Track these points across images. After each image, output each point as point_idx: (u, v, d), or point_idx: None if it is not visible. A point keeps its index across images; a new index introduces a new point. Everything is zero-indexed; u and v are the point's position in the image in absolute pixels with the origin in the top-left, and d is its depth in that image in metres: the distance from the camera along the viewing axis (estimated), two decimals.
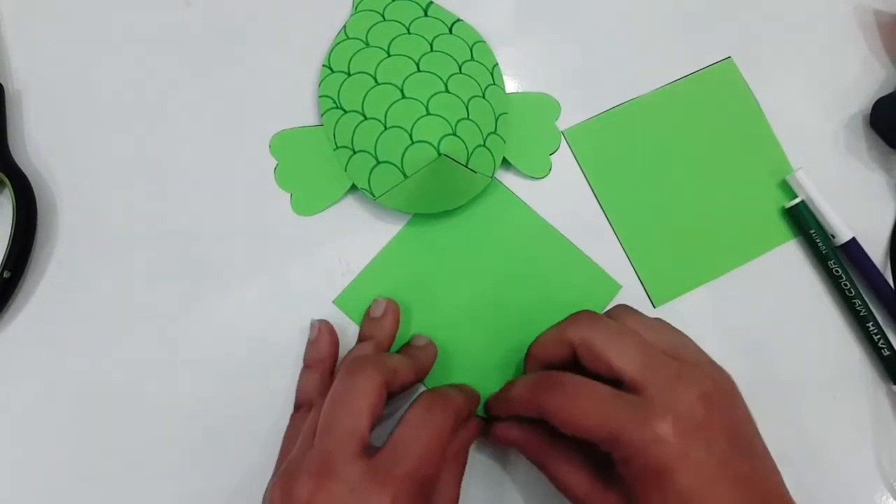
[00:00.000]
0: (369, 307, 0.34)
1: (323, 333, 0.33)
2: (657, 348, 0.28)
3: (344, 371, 0.29)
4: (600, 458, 0.28)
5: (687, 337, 0.30)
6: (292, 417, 0.33)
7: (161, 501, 0.33)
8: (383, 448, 0.26)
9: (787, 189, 0.38)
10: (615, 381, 0.27)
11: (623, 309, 0.31)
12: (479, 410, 0.34)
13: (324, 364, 0.33)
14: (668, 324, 0.30)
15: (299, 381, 0.33)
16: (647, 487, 0.25)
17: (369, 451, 0.26)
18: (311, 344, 0.34)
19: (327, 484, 0.25)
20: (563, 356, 0.29)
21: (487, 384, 0.34)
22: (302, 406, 0.33)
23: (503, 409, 0.31)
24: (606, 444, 0.26)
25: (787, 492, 0.27)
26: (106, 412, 0.33)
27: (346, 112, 0.35)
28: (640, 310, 0.35)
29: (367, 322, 0.34)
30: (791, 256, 0.37)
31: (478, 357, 0.35)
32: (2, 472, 0.33)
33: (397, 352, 0.34)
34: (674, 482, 0.25)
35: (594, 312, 0.30)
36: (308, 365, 0.33)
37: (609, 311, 0.31)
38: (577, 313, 0.30)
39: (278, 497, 0.26)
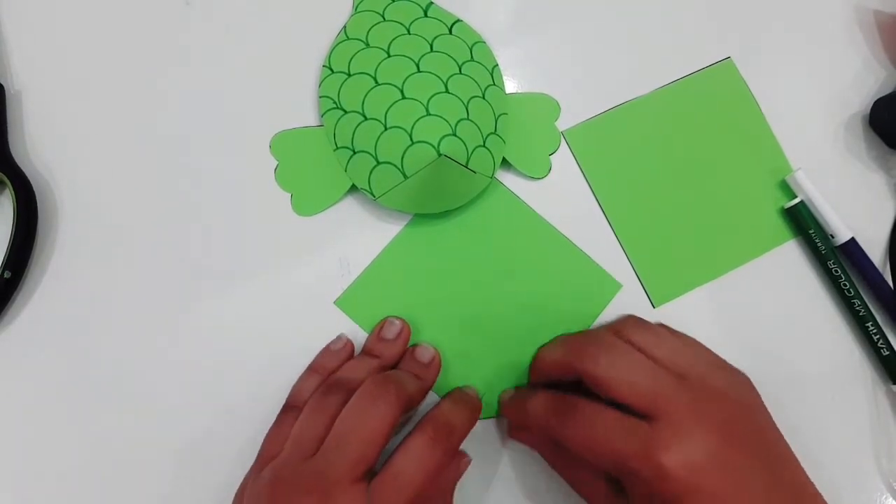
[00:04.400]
0: (381, 324, 0.34)
1: (346, 349, 0.33)
2: (666, 371, 0.27)
3: (368, 392, 0.28)
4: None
5: (694, 343, 0.30)
6: (281, 417, 0.32)
7: (160, 499, 0.33)
8: (383, 473, 0.27)
9: (787, 189, 0.38)
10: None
11: (628, 323, 0.30)
12: (489, 413, 0.34)
13: (328, 374, 0.33)
14: (674, 332, 0.30)
15: (299, 382, 0.33)
16: None
17: (369, 475, 0.27)
18: (330, 352, 0.33)
19: None
20: (568, 377, 0.29)
21: (488, 384, 0.34)
22: (294, 408, 0.32)
23: (518, 420, 0.32)
24: (615, 473, 0.26)
25: (814, 494, 0.27)
26: (106, 412, 0.33)
27: (346, 112, 0.35)
28: (641, 312, 0.35)
29: (377, 341, 0.34)
30: (790, 257, 0.37)
31: (479, 357, 0.35)
32: (1, 470, 0.33)
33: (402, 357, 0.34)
34: None
35: (596, 336, 0.30)
36: (314, 369, 0.33)
37: (615, 324, 0.31)
38: (580, 339, 0.30)
39: (266, 499, 0.26)
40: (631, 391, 0.27)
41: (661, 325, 0.31)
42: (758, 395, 0.29)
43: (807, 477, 0.28)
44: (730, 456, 0.26)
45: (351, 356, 0.34)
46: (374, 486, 0.26)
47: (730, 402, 0.27)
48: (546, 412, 0.29)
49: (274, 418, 0.33)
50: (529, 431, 0.32)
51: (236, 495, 0.30)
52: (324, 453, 0.27)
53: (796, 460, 0.28)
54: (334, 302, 0.35)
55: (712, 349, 0.31)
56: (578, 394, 0.29)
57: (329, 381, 0.31)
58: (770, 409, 0.30)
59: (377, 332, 0.34)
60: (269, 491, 0.27)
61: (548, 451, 0.32)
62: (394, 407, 0.28)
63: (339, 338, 0.34)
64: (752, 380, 0.30)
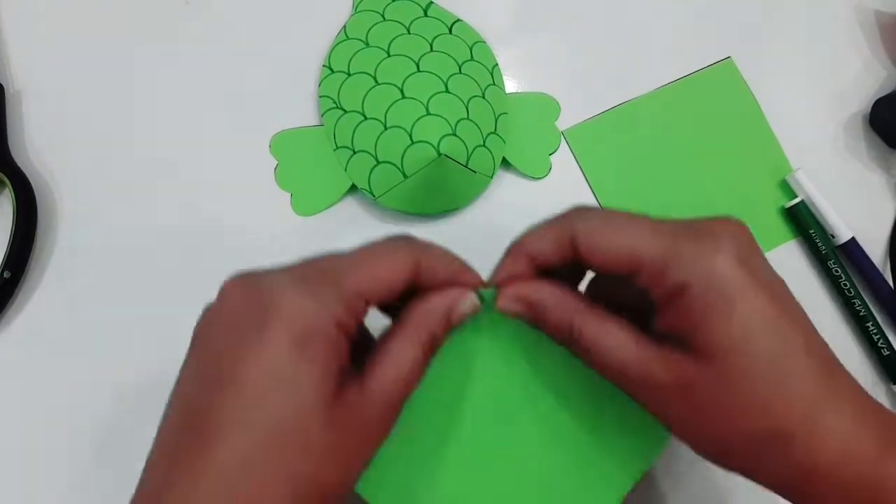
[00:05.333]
0: None
1: None
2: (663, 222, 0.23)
3: (390, 238, 0.24)
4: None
5: None
6: None
7: None
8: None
9: (787, 189, 0.38)
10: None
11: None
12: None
13: None
14: None
15: None
16: (709, 319, 0.21)
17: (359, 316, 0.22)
18: None
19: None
20: (562, 258, 0.24)
21: None
22: None
23: (523, 257, 0.25)
24: (657, 267, 0.21)
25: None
26: (105, 412, 0.33)
27: (346, 112, 0.35)
28: None
29: None
30: (790, 256, 0.37)
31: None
32: (1, 469, 0.33)
33: None
34: (741, 310, 0.21)
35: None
36: None
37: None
38: (566, 212, 0.25)
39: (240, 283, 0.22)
40: (641, 241, 0.22)
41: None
42: None
43: None
44: (771, 273, 0.23)
45: None
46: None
47: (749, 238, 0.23)
48: (562, 218, 0.24)
49: None
50: (535, 283, 0.24)
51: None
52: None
53: None
54: None
55: None
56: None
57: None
58: None
59: None
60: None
61: (561, 302, 0.24)
62: (411, 250, 0.23)
63: None
64: None
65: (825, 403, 0.21)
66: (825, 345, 0.23)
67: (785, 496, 0.22)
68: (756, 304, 0.21)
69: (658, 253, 0.22)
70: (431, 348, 0.23)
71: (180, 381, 0.22)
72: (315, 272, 0.22)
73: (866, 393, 0.23)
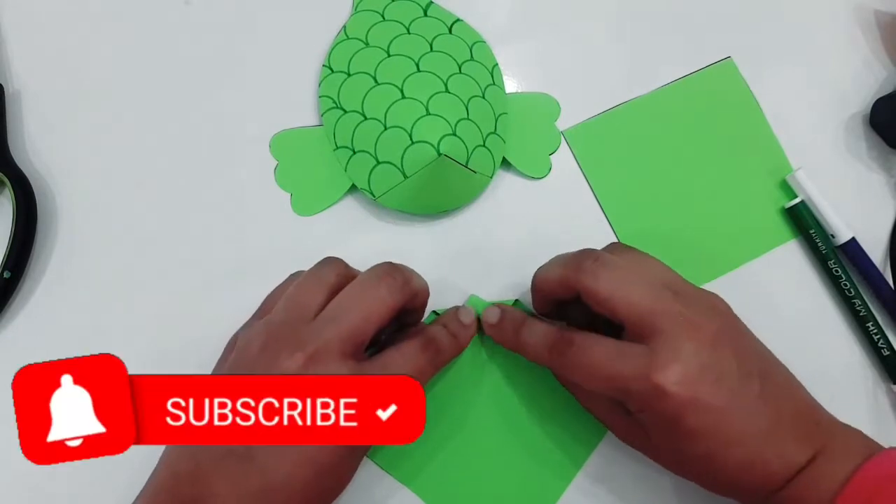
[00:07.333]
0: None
1: None
2: (660, 286, 0.28)
3: (375, 271, 0.29)
4: None
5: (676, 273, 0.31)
6: (289, 279, 0.32)
7: None
8: (373, 360, 0.28)
9: (787, 189, 0.38)
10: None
11: (615, 246, 0.32)
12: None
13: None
14: (659, 260, 0.31)
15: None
16: (660, 430, 0.27)
17: (359, 355, 0.28)
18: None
19: (314, 370, 0.26)
20: (568, 295, 0.30)
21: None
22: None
23: (511, 348, 0.32)
24: (617, 397, 0.28)
25: (807, 396, 0.29)
26: None
27: (346, 112, 0.35)
28: None
29: None
30: (791, 256, 0.37)
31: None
32: (2, 471, 0.33)
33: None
34: (684, 425, 0.26)
35: (592, 252, 0.30)
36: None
37: (607, 249, 0.31)
38: (576, 256, 0.30)
39: (257, 351, 0.27)
40: (630, 309, 0.27)
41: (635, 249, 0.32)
42: (737, 317, 0.30)
43: (797, 382, 0.30)
44: (723, 366, 0.27)
45: None
46: (361, 368, 0.27)
47: (718, 313, 0.29)
48: (543, 348, 0.30)
49: None
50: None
51: (228, 343, 0.31)
52: (323, 321, 0.28)
53: (784, 367, 0.30)
54: None
55: None
56: (574, 306, 0.30)
57: (329, 256, 0.32)
58: None
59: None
60: (262, 342, 0.28)
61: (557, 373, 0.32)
62: (396, 293, 0.28)
63: None
64: None
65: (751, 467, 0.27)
66: (768, 412, 0.28)
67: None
68: (696, 422, 0.26)
69: (620, 386, 0.27)
70: None
71: None
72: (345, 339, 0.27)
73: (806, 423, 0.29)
